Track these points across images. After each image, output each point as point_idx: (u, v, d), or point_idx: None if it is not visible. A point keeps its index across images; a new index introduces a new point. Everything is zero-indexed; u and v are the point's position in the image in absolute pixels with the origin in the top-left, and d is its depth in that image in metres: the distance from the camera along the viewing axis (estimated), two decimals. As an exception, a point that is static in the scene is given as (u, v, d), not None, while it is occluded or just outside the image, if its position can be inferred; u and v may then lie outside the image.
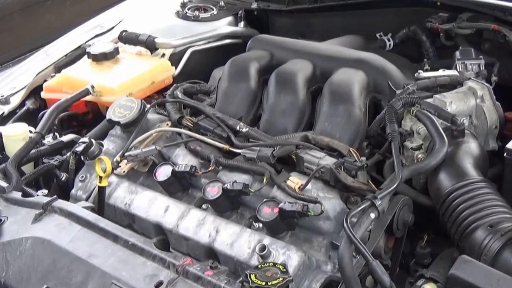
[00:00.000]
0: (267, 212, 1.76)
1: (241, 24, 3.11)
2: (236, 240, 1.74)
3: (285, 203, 1.74)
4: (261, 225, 1.80)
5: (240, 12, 3.11)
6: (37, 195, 1.94)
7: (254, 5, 3.15)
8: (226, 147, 2.03)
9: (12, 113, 2.57)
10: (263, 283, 1.46)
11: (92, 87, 2.39)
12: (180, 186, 2.01)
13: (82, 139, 2.10)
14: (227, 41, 2.96)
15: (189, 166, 1.95)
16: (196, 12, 3.10)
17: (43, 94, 2.59)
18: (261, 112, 2.27)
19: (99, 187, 1.97)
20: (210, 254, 1.79)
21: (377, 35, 2.79)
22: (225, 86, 2.34)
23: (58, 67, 2.77)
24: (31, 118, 2.51)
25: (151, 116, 2.23)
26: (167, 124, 2.21)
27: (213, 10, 3.13)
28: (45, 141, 2.23)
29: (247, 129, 2.07)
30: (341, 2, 2.89)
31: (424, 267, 1.80)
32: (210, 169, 1.96)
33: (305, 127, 2.17)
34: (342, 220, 1.58)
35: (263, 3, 3.15)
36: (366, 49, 2.54)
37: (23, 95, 2.63)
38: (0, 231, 1.84)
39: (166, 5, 3.21)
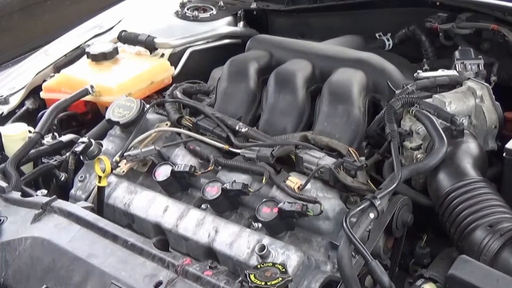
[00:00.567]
0: (267, 212, 1.76)
1: (241, 24, 3.11)
2: (236, 240, 1.74)
3: (284, 203, 1.74)
4: (260, 225, 1.80)
5: (239, 12, 3.11)
6: (37, 195, 1.95)
7: (254, 5, 3.15)
8: (226, 147, 2.03)
9: (11, 113, 2.57)
10: (263, 283, 1.46)
11: (92, 87, 2.39)
12: (180, 186, 2.01)
13: (81, 139, 2.10)
14: (227, 41, 2.95)
15: (188, 166, 1.95)
16: (196, 12, 3.10)
17: (42, 94, 2.59)
18: (260, 112, 2.27)
19: (99, 187, 1.97)
20: (209, 254, 1.79)
21: (377, 35, 2.79)
22: (224, 86, 2.34)
23: (58, 67, 2.77)
24: (30, 118, 2.51)
25: (151, 116, 2.23)
26: (167, 124, 2.21)
27: (212, 10, 3.13)
28: (44, 141, 2.23)
29: (247, 129, 2.07)
30: (341, 2, 2.89)
31: (423, 267, 1.80)
32: (209, 169, 1.96)
33: (304, 127, 2.17)
34: (341, 220, 1.58)
35: (262, 3, 3.15)
36: (365, 49, 2.55)
37: (22, 95, 2.62)
38: (-1, 231, 1.85)
39: (165, 5, 3.21)
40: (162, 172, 1.97)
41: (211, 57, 2.85)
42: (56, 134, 2.31)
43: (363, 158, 1.92)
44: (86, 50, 2.66)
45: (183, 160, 2.06)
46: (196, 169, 1.97)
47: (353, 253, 1.54)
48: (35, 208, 1.86)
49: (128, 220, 1.98)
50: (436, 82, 2.10)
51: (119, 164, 2.03)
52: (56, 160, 2.18)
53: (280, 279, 1.47)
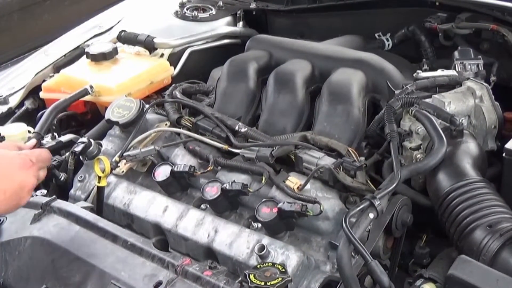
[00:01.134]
0: (266, 212, 1.76)
1: (240, 24, 3.11)
2: (235, 240, 1.74)
3: (284, 203, 1.74)
4: (260, 225, 1.80)
5: (238, 12, 3.11)
6: (36, 195, 1.94)
7: (253, 5, 3.15)
8: (225, 147, 2.03)
9: (11, 113, 2.57)
10: (262, 283, 1.46)
11: (91, 87, 2.39)
12: (179, 186, 2.01)
13: (81, 139, 2.10)
14: (226, 41, 2.95)
15: (188, 166, 1.95)
16: (195, 12, 3.10)
17: (41, 94, 2.59)
18: (259, 112, 2.27)
19: (98, 187, 1.96)
20: (209, 254, 1.79)
21: (376, 35, 2.79)
22: (224, 86, 2.34)
23: (57, 67, 2.77)
24: (30, 118, 2.51)
25: (150, 116, 2.23)
26: (166, 124, 2.21)
27: (211, 10, 3.13)
28: (43, 141, 2.23)
29: (246, 129, 2.07)
30: (340, 2, 2.89)
31: (423, 267, 1.80)
32: (209, 169, 1.96)
33: (304, 127, 2.17)
34: (341, 220, 1.57)
35: (261, 3, 3.15)
36: (365, 49, 2.55)
37: (22, 95, 2.62)
38: (-1, 231, 1.84)
39: (164, 5, 3.21)
40: (162, 172, 1.97)
41: (210, 57, 2.85)
42: (55, 134, 2.30)
43: (362, 158, 1.92)
44: (86, 50, 2.66)
45: (182, 160, 2.06)
46: (196, 169, 1.97)
47: (352, 253, 1.54)
48: (34, 208, 1.86)
49: (128, 220, 1.98)
50: (435, 82, 2.10)
51: (118, 164, 2.03)
52: (55, 160, 2.18)
53: (280, 279, 1.47)
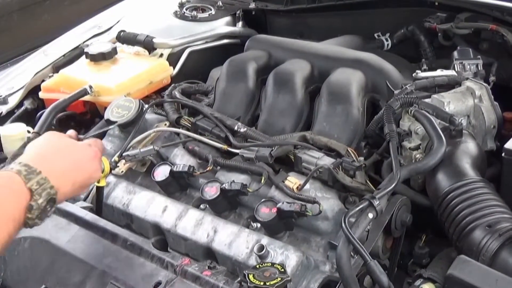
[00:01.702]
0: (265, 212, 1.75)
1: (239, 24, 3.10)
2: (234, 240, 1.74)
3: (283, 203, 1.74)
4: (259, 225, 1.80)
5: (238, 12, 3.11)
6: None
7: (252, 5, 3.15)
8: (225, 147, 2.03)
9: (10, 113, 2.57)
10: (261, 283, 1.46)
11: (90, 87, 2.38)
12: (178, 186, 2.01)
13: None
14: (225, 41, 2.95)
15: (187, 166, 1.95)
16: (194, 12, 3.10)
17: (41, 94, 2.59)
18: (259, 112, 2.27)
19: (97, 187, 1.96)
20: (208, 254, 1.79)
21: (375, 35, 2.79)
22: (223, 86, 2.34)
23: (56, 67, 2.76)
24: (29, 118, 2.51)
25: (149, 116, 2.23)
26: (165, 124, 2.20)
27: (211, 10, 3.13)
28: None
29: (245, 129, 2.07)
30: (339, 2, 2.89)
31: (422, 267, 1.80)
32: (208, 169, 1.96)
33: (303, 127, 2.17)
34: (340, 220, 1.58)
35: (261, 3, 3.15)
36: (364, 49, 2.55)
37: (21, 95, 2.62)
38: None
39: (164, 5, 3.21)
40: (161, 172, 1.97)
41: (210, 57, 2.85)
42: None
43: (362, 158, 1.93)
44: (85, 50, 2.65)
45: (182, 160, 2.06)
46: (195, 169, 1.97)
47: (352, 253, 1.54)
48: (34, 208, 1.85)
49: (127, 220, 1.98)
50: (435, 82, 2.10)
51: (118, 164, 2.03)
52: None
53: (279, 279, 1.47)
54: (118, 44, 2.74)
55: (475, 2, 2.47)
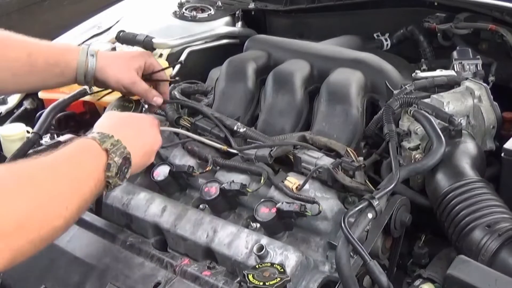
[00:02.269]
0: (265, 212, 1.75)
1: (239, 24, 3.10)
2: (234, 240, 1.74)
3: (282, 203, 1.74)
4: (258, 225, 1.80)
5: (237, 12, 3.11)
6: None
7: (252, 5, 3.15)
8: (224, 147, 2.03)
9: (9, 113, 2.57)
10: (261, 283, 1.46)
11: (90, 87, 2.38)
12: (178, 186, 2.01)
13: (79, 139, 2.10)
14: (225, 41, 2.95)
15: (186, 166, 1.95)
16: (194, 12, 3.10)
17: (40, 94, 2.59)
18: (258, 112, 2.27)
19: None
20: (207, 254, 1.79)
21: (375, 35, 2.79)
22: (222, 86, 2.34)
23: (56, 67, 2.76)
24: (28, 118, 2.51)
25: (149, 116, 2.23)
26: (165, 124, 2.20)
27: (210, 10, 3.13)
28: (42, 141, 2.23)
29: (245, 129, 2.07)
30: (339, 2, 2.89)
31: (421, 267, 1.80)
32: (207, 169, 1.96)
33: (302, 127, 2.17)
34: (339, 220, 1.57)
35: (260, 3, 3.15)
36: (363, 49, 2.55)
37: (20, 95, 2.62)
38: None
39: (163, 5, 3.21)
40: (160, 172, 1.97)
41: (209, 57, 2.85)
42: (54, 134, 2.30)
43: (361, 158, 1.92)
44: (84, 50, 2.65)
45: (181, 160, 2.06)
46: (194, 169, 1.97)
47: (351, 253, 1.54)
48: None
49: (127, 220, 1.98)
50: (434, 82, 2.10)
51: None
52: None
53: (279, 279, 1.48)
54: (117, 44, 2.73)
55: (474, 2, 2.47)
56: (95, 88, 2.39)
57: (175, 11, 3.12)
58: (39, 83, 2.06)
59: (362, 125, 2.08)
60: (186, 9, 3.12)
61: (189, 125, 2.16)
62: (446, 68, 2.23)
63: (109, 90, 2.20)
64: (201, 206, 1.93)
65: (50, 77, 1.98)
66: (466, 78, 2.10)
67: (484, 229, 1.57)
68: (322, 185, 1.84)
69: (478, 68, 2.24)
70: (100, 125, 1.65)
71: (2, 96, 2.59)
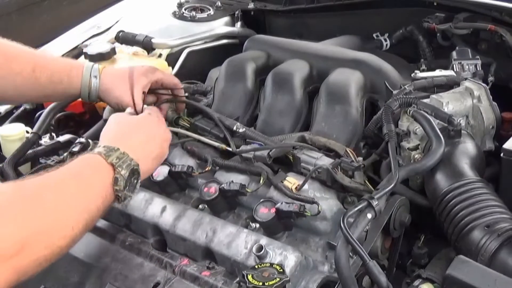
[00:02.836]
0: (264, 212, 1.75)
1: (238, 24, 3.11)
2: (233, 240, 1.74)
3: (282, 203, 1.74)
4: (258, 225, 1.80)
5: (237, 12, 3.12)
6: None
7: (251, 5, 3.16)
8: (223, 147, 2.03)
9: (9, 113, 2.57)
10: (260, 284, 1.46)
11: (89, 87, 2.38)
12: (177, 187, 2.01)
13: (79, 139, 2.10)
14: (224, 41, 2.96)
15: (186, 167, 1.95)
16: (193, 13, 3.10)
17: (40, 95, 2.59)
18: (258, 112, 2.27)
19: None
20: (207, 254, 1.79)
21: (374, 35, 2.79)
22: (222, 86, 2.34)
23: (55, 67, 2.76)
24: (28, 118, 2.51)
25: (148, 116, 2.23)
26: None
27: (210, 10, 3.13)
28: (42, 142, 2.23)
29: (244, 129, 2.07)
30: (338, 2, 2.89)
31: (421, 267, 1.80)
32: (207, 169, 1.96)
33: (302, 127, 2.17)
34: (339, 220, 1.57)
35: (260, 3, 3.15)
36: (363, 49, 2.55)
37: (20, 95, 2.62)
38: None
39: (163, 5, 3.21)
40: (160, 173, 1.97)
41: (208, 57, 2.85)
42: (53, 134, 2.30)
43: (360, 159, 1.92)
44: (84, 51, 2.66)
45: (180, 160, 2.06)
46: (194, 170, 1.96)
47: (350, 254, 1.54)
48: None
49: (126, 220, 1.97)
50: (433, 82, 2.10)
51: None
52: (53, 160, 2.17)
53: (278, 279, 1.47)
54: (117, 44, 2.74)
55: (473, 2, 2.47)
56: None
57: (175, 11, 3.12)
58: (41, 97, 2.08)
59: (361, 125, 2.08)
60: (185, 9, 3.13)
61: (188, 125, 2.16)
62: (446, 68, 2.23)
63: None
64: (200, 206, 1.93)
65: (53, 93, 1.98)
66: (466, 78, 2.10)
67: (483, 229, 1.57)
68: (321, 185, 1.84)
69: (478, 68, 2.24)
70: (106, 134, 1.63)
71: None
